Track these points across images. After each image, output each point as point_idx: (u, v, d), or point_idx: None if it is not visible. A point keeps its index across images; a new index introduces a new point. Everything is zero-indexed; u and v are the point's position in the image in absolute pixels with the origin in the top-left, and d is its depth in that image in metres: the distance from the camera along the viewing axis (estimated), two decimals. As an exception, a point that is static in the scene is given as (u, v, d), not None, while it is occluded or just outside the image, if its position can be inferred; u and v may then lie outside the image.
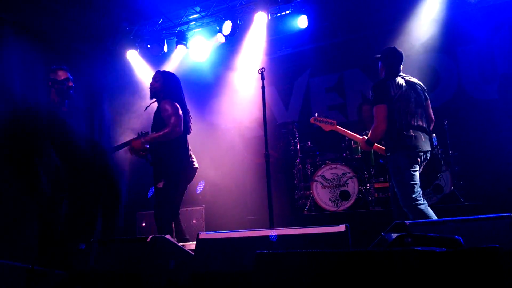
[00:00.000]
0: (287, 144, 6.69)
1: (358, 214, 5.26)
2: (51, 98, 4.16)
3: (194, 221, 6.39)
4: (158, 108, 4.05)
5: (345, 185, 5.57)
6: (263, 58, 7.45)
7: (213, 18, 7.18)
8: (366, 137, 3.88)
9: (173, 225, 4.04)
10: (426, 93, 3.96)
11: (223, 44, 7.40)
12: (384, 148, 3.90)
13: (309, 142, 6.39)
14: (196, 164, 4.17)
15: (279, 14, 7.09)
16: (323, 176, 5.77)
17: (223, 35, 7.00)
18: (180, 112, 3.96)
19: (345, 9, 7.12)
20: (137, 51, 7.55)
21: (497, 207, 4.70)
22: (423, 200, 3.63)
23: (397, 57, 3.94)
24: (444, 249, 1.78)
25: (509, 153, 5.70)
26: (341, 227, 2.35)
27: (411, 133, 3.66)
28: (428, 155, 3.80)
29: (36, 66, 5.49)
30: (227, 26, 6.88)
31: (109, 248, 2.76)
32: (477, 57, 6.50)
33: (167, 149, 3.94)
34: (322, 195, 5.72)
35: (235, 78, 7.76)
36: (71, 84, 4.17)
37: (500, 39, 6.35)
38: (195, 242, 2.62)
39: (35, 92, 4.27)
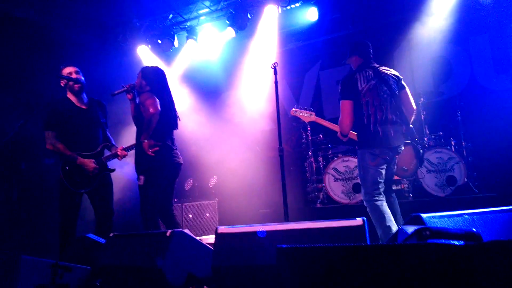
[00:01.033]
0: (299, 137, 6.71)
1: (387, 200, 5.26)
2: (66, 96, 4.18)
3: (207, 214, 6.45)
4: (139, 102, 3.96)
5: (358, 177, 5.57)
6: (273, 52, 7.45)
7: (223, 12, 7.17)
8: None
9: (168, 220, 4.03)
10: (402, 82, 3.88)
11: (233, 37, 7.40)
12: (354, 133, 3.93)
13: (321, 135, 6.39)
14: (180, 160, 4.02)
15: (289, 7, 7.06)
16: (335, 169, 5.78)
17: (233, 29, 7.00)
18: (157, 101, 3.80)
19: (355, 1, 7.07)
20: (148, 46, 7.58)
21: (512, 198, 4.71)
22: (382, 197, 3.66)
23: (365, 49, 3.89)
24: (463, 243, 1.79)
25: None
26: (359, 221, 2.36)
27: (378, 128, 3.63)
28: (401, 148, 3.78)
29: (49, 64, 5.56)
30: (230, 32, 6.97)
31: (129, 242, 2.81)
32: (490, 47, 6.44)
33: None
34: (334, 188, 5.74)
35: (246, 71, 7.78)
36: (74, 76, 4.11)
37: (514, 28, 6.28)
38: (212, 236, 2.65)
39: (51, 92, 4.30)
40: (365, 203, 3.75)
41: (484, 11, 6.31)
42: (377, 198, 3.64)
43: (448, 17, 6.35)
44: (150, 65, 4.18)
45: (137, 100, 4.02)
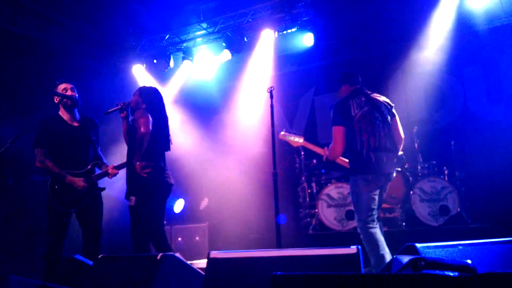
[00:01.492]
0: (292, 161, 6.69)
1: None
2: (58, 114, 4.13)
3: (197, 238, 6.35)
4: (132, 120, 3.93)
5: (351, 204, 5.54)
6: (269, 75, 7.50)
7: (220, 35, 7.23)
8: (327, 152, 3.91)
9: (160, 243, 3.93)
10: (393, 110, 3.89)
11: (229, 60, 7.45)
12: (347, 161, 3.89)
13: (315, 160, 6.37)
14: (171, 180, 3.93)
15: (285, 32, 7.15)
16: (328, 195, 5.75)
17: (230, 51, 7.06)
18: (149, 119, 3.74)
19: (351, 28, 7.17)
20: (143, 66, 7.60)
21: (505, 230, 4.69)
22: (376, 224, 3.63)
23: (354, 77, 3.94)
24: (458, 274, 1.76)
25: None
26: (353, 249, 2.32)
27: (371, 155, 3.61)
28: (392, 175, 3.77)
29: (45, 80, 5.54)
30: (226, 54, 7.02)
31: (118, 265, 2.73)
32: (483, 77, 6.55)
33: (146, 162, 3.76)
34: (327, 214, 5.70)
35: (241, 94, 7.81)
36: (70, 93, 4.06)
37: (507, 59, 6.39)
38: (202, 260, 2.58)
39: (45, 108, 4.25)
40: (358, 230, 3.69)
41: (477, 42, 6.44)
42: (371, 225, 3.60)
43: (442, 48, 6.46)
44: (147, 85, 4.15)
45: (130, 118, 3.98)
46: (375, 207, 3.66)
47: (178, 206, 7.25)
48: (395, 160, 3.78)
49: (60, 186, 3.87)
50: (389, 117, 3.81)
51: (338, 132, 3.71)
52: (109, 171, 4.05)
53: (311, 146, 4.24)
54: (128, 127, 3.95)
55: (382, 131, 3.71)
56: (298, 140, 4.29)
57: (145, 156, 3.72)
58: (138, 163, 3.65)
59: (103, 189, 4.15)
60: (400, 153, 3.86)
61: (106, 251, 3.79)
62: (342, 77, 4.00)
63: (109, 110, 4.05)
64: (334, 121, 3.75)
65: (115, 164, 4.11)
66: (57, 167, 3.89)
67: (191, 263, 2.82)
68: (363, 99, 3.75)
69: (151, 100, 3.95)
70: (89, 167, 4.08)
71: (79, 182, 3.91)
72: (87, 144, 4.15)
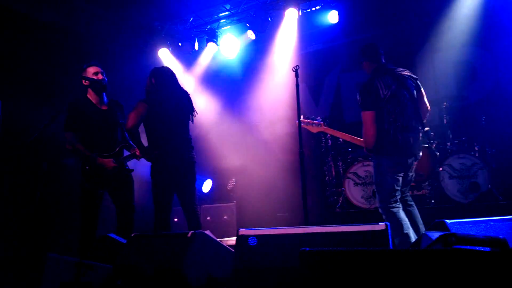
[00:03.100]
0: (318, 141, 6.67)
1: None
2: (87, 97, 4.22)
3: (226, 217, 6.46)
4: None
5: (377, 182, 5.51)
6: (293, 54, 7.43)
7: (243, 15, 7.19)
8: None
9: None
10: (418, 82, 3.77)
11: (253, 40, 7.41)
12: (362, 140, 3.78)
13: (341, 139, 6.33)
14: (192, 157, 4.01)
15: (309, 10, 7.04)
16: (355, 173, 5.73)
17: (253, 32, 7.02)
18: (141, 111, 3.84)
19: (376, 3, 7.01)
20: (169, 49, 7.65)
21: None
22: (398, 204, 3.58)
23: (374, 51, 3.79)
24: (489, 249, 1.75)
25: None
26: (382, 225, 2.33)
27: (398, 136, 3.53)
28: (419, 155, 3.69)
29: (73, 66, 5.66)
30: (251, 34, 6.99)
31: (149, 243, 2.82)
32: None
33: (148, 149, 3.95)
34: (354, 193, 5.69)
35: (265, 74, 7.77)
36: (100, 77, 4.17)
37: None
38: (230, 238, 2.64)
39: (75, 93, 4.35)
40: (380, 211, 3.65)
41: (510, 13, 6.18)
42: (393, 205, 3.56)
43: (472, 20, 6.22)
44: (158, 67, 4.19)
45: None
46: (399, 188, 3.61)
47: (206, 186, 7.37)
48: (421, 138, 3.71)
49: (91, 168, 4.00)
50: (415, 92, 3.72)
51: (369, 117, 3.56)
52: (137, 153, 4.15)
53: (333, 131, 4.12)
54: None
55: (410, 110, 3.62)
56: (317, 126, 4.15)
57: (151, 138, 3.94)
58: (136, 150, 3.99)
59: (132, 170, 4.27)
60: (427, 128, 3.77)
61: (138, 230, 3.93)
62: (361, 52, 3.87)
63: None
64: (363, 106, 3.60)
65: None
66: (88, 150, 4.01)
67: (220, 241, 2.89)
68: (388, 77, 3.62)
69: (156, 80, 4.01)
70: (117, 149, 4.19)
71: (109, 163, 4.03)
72: (115, 127, 4.25)
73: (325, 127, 4.15)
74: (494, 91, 6.33)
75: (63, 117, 4.10)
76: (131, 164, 4.32)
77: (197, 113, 4.18)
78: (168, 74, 4.10)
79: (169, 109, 3.98)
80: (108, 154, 4.12)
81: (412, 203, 3.76)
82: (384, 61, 3.78)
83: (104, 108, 4.24)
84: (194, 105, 4.19)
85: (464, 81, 6.48)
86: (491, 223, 2.68)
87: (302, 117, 4.20)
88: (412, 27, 6.88)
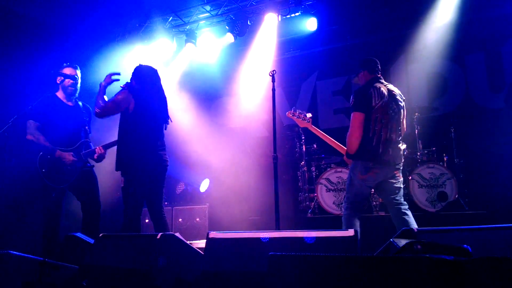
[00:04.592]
0: (293, 146, 6.71)
1: (361, 219, 5.27)
2: (55, 94, 4.21)
3: (198, 219, 6.42)
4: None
5: (350, 189, 5.58)
6: (271, 59, 7.47)
7: (223, 18, 7.20)
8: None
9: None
10: (404, 103, 3.90)
11: (232, 43, 7.42)
12: (345, 148, 3.87)
13: (315, 145, 6.39)
14: (165, 160, 3.93)
15: (289, 16, 7.11)
16: (328, 179, 5.79)
17: (233, 35, 7.03)
18: (122, 104, 3.73)
19: (354, 13, 7.14)
20: (146, 47, 7.57)
21: (501, 217, 4.74)
22: (355, 212, 3.71)
23: (375, 65, 3.90)
24: (453, 258, 1.80)
25: (514, 162, 5.72)
26: (350, 232, 2.36)
27: (380, 146, 3.63)
28: (399, 165, 3.76)
29: (45, 61, 5.55)
30: (229, 37, 7.00)
31: (118, 243, 2.78)
32: (485, 66, 6.52)
33: (126, 143, 3.79)
34: (326, 198, 5.74)
35: (243, 78, 7.79)
36: (72, 81, 4.19)
37: (509, 48, 6.36)
38: (201, 241, 2.63)
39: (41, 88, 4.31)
40: (343, 209, 3.80)
41: (480, 30, 6.39)
42: (350, 211, 3.70)
43: (445, 34, 6.41)
44: (143, 64, 4.09)
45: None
46: (362, 198, 3.77)
47: (204, 185, 7.29)
48: (401, 152, 3.80)
49: (49, 162, 3.93)
50: (401, 110, 3.84)
51: (357, 118, 3.65)
52: (96, 151, 4.09)
53: (317, 131, 4.15)
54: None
55: (395, 123, 3.74)
56: (305, 121, 4.18)
57: (134, 135, 3.74)
58: (98, 147, 3.91)
59: (93, 166, 4.22)
60: (404, 146, 3.87)
61: (108, 230, 3.84)
62: (362, 63, 3.95)
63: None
64: (354, 107, 3.69)
65: (105, 143, 4.16)
66: (48, 142, 3.97)
67: (191, 243, 2.87)
68: (383, 89, 3.74)
69: (141, 78, 3.91)
70: (77, 144, 4.15)
71: (69, 156, 3.99)
72: (79, 124, 4.23)
73: (312, 125, 4.18)
74: (464, 104, 6.53)
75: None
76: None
77: (171, 121, 4.08)
78: (153, 74, 4.03)
79: (153, 108, 3.90)
80: (69, 148, 4.07)
81: (407, 212, 3.75)
82: (380, 76, 3.89)
83: (70, 104, 4.25)
84: (169, 112, 4.12)
85: (436, 93, 6.66)
86: (457, 232, 2.75)
87: (294, 108, 4.23)
88: (387, 38, 7.04)
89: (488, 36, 6.38)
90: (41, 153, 3.97)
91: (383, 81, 3.86)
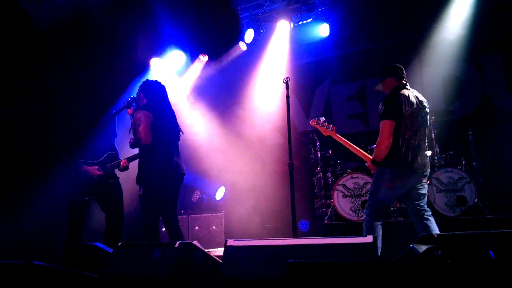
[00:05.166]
0: (308, 152, 6.70)
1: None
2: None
3: (214, 227, 6.42)
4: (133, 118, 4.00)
5: (367, 194, 5.53)
6: (284, 66, 7.49)
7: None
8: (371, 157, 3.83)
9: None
10: (429, 109, 3.88)
11: (245, 52, 7.46)
12: (369, 156, 3.88)
13: (330, 151, 6.37)
14: (182, 170, 4.01)
15: (301, 22, 7.14)
16: (344, 185, 5.75)
17: (245, 43, 7.07)
18: (149, 121, 3.82)
19: (367, 18, 7.13)
20: (161, 58, 7.66)
21: (524, 220, 4.64)
22: (379, 220, 3.67)
23: (401, 72, 3.87)
24: (475, 263, 1.77)
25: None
26: (369, 238, 2.33)
27: (410, 153, 3.60)
28: (427, 172, 3.72)
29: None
30: (249, 35, 6.96)
31: (137, 252, 2.80)
32: (502, 67, 6.42)
33: (146, 155, 3.89)
34: (343, 204, 5.70)
35: (257, 86, 7.81)
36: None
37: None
38: (218, 249, 2.63)
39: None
40: (364, 215, 3.75)
41: (497, 30, 6.31)
42: (374, 218, 3.65)
43: (460, 36, 6.34)
44: (150, 79, 4.19)
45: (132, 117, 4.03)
46: (388, 204, 3.71)
47: (220, 193, 7.33)
48: (428, 159, 3.77)
49: (76, 176, 3.98)
50: (428, 117, 3.82)
51: (388, 126, 3.61)
52: (121, 164, 4.14)
53: (342, 140, 4.11)
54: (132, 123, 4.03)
55: (423, 131, 3.72)
56: (330, 130, 4.16)
57: (150, 148, 3.83)
58: (123, 160, 3.88)
59: (117, 178, 4.26)
60: (430, 153, 3.85)
61: (129, 240, 3.89)
62: (388, 69, 3.91)
63: (117, 110, 4.15)
64: (384, 115, 3.64)
65: (129, 156, 4.21)
66: (74, 157, 4.02)
67: (208, 251, 2.87)
68: (411, 96, 3.72)
69: (153, 94, 4.02)
70: (103, 158, 4.18)
71: (94, 170, 4.03)
72: (103, 134, 4.25)
73: (336, 134, 4.16)
74: (481, 106, 6.44)
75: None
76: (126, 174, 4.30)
77: (183, 133, 4.17)
78: (161, 89, 4.13)
79: (168, 121, 4.01)
80: (94, 162, 4.11)
81: (431, 218, 3.73)
82: (407, 83, 3.86)
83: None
84: (180, 124, 4.20)
85: (452, 96, 6.58)
86: (477, 237, 2.71)
87: (317, 116, 4.22)
88: (400, 42, 7.00)
89: (505, 36, 6.28)
90: (67, 168, 4.04)
91: (409, 87, 3.83)
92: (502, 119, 6.16)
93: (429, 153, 3.83)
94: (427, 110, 3.82)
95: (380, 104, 3.71)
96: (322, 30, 6.95)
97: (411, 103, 3.66)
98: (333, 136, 4.17)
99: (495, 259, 2.05)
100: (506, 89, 6.37)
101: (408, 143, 3.61)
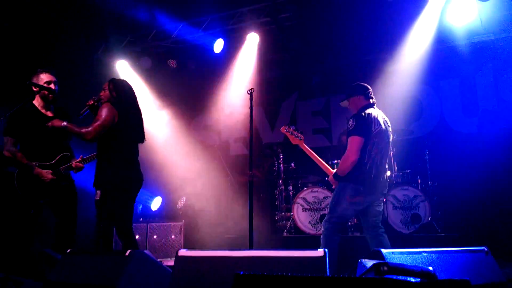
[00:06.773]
0: (271, 164, 6.74)
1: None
2: (33, 103, 4.05)
3: (173, 236, 6.34)
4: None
5: (326, 208, 5.62)
6: (252, 78, 7.54)
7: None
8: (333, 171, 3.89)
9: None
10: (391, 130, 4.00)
11: (214, 62, 7.48)
12: (331, 169, 3.94)
13: (293, 164, 6.43)
14: (142, 176, 3.85)
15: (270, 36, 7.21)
16: (304, 199, 5.81)
17: (215, 52, 7.09)
18: (110, 121, 3.60)
19: (334, 36, 7.28)
20: (127, 62, 7.58)
21: (473, 239, 4.83)
22: (337, 233, 3.73)
23: (369, 92, 3.97)
24: (419, 280, 1.82)
25: (486, 186, 5.84)
26: (320, 252, 2.37)
27: (373, 170, 3.67)
28: (385, 191, 3.81)
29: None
30: (219, 44, 6.98)
31: (85, 260, 2.73)
32: (459, 91, 6.72)
33: (106, 157, 3.68)
34: (302, 218, 5.76)
35: (223, 96, 7.83)
36: (52, 87, 4.01)
37: (483, 75, 6.57)
38: (173, 258, 2.60)
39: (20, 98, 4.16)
40: (322, 228, 3.76)
41: (455, 56, 6.60)
42: (333, 232, 3.69)
43: (421, 59, 6.58)
44: (118, 78, 4.03)
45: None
46: (347, 220, 3.72)
47: (155, 204, 7.24)
48: (387, 178, 3.86)
49: (27, 177, 3.83)
50: (390, 137, 3.91)
51: (357, 142, 3.64)
52: (73, 165, 4.00)
53: (309, 151, 4.14)
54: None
55: (386, 151, 3.80)
56: (298, 139, 4.18)
57: (115, 148, 3.66)
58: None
59: (72, 181, 4.11)
60: (389, 173, 3.93)
61: (83, 246, 3.76)
62: (357, 87, 3.98)
63: (82, 112, 3.92)
64: (354, 130, 3.67)
65: (84, 157, 4.06)
66: (26, 158, 3.85)
67: (161, 261, 2.84)
68: (379, 116, 3.80)
69: (122, 92, 3.83)
70: (56, 159, 4.01)
71: (47, 174, 3.87)
72: (58, 135, 4.04)
73: (304, 144, 4.18)
74: (438, 128, 6.70)
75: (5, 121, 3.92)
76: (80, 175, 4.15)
77: (145, 140, 4.00)
78: (129, 88, 3.98)
79: (133, 123, 3.84)
80: (48, 163, 3.96)
81: (384, 235, 3.80)
82: (374, 103, 3.94)
83: (50, 114, 4.09)
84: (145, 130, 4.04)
85: (411, 116, 6.81)
86: (425, 254, 2.79)
87: (289, 124, 4.23)
88: (364, 61, 7.20)
89: (463, 63, 6.58)
90: (17, 170, 3.87)
91: (375, 107, 3.91)
92: (458, 141, 6.42)
93: (388, 173, 3.91)
94: (390, 129, 3.92)
95: (351, 120, 3.76)
96: (291, 45, 7.06)
97: (378, 122, 3.74)
98: (300, 146, 4.20)
99: (439, 276, 2.11)
100: (463, 112, 6.65)
101: (373, 160, 3.68)
